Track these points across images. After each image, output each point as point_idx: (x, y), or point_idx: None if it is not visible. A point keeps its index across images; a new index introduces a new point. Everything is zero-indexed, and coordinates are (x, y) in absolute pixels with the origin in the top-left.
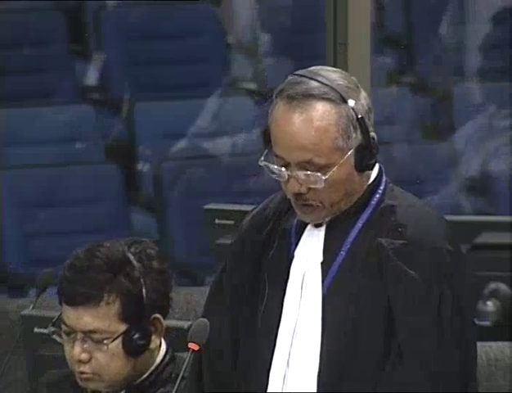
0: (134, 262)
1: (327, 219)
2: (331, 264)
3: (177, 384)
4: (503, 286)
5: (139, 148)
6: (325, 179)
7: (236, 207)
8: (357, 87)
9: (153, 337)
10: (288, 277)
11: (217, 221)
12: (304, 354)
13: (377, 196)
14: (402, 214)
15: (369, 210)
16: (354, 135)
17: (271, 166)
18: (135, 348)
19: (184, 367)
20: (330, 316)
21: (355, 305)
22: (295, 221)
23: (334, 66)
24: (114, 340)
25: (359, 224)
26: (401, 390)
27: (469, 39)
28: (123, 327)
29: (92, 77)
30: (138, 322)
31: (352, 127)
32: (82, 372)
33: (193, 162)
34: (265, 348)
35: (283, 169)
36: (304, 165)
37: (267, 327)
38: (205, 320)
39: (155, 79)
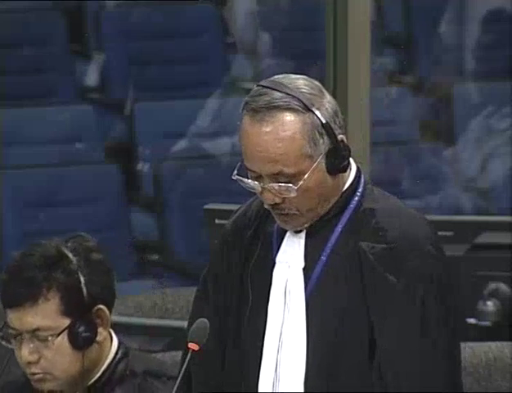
0: (70, 256)
1: (308, 225)
2: (313, 270)
3: (176, 384)
4: (503, 286)
5: (139, 148)
6: (297, 188)
7: (236, 207)
8: (322, 92)
9: (99, 329)
10: (271, 284)
11: (217, 221)
12: (291, 360)
13: (356, 198)
14: (383, 218)
15: (348, 214)
16: (321, 141)
17: (245, 180)
18: (81, 341)
19: (184, 366)
20: (314, 321)
21: (338, 310)
22: (277, 225)
23: (333, 66)
24: (58, 335)
25: (339, 228)
26: None
27: (468, 39)
28: (66, 322)
29: (92, 77)
30: (81, 315)
31: (317, 133)
32: (33, 374)
33: (193, 162)
34: (252, 355)
35: (256, 182)
36: (275, 177)
37: (252, 334)
38: (205, 320)
39: (155, 79)
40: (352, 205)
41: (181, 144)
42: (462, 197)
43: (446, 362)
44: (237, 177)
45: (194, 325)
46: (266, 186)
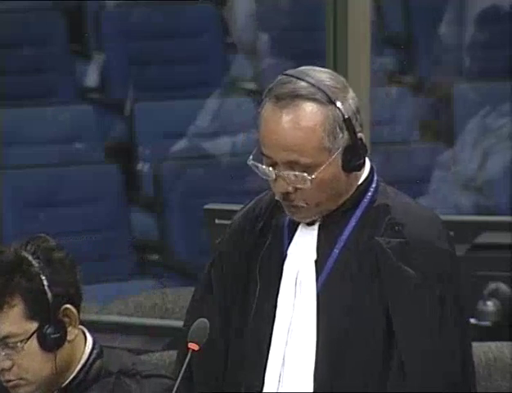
0: (30, 258)
1: (316, 218)
2: (325, 262)
3: (176, 384)
4: (503, 286)
5: (139, 148)
6: (312, 179)
7: (236, 207)
8: (346, 87)
9: (69, 329)
10: (281, 276)
11: (217, 221)
12: (300, 352)
13: (369, 194)
14: (398, 213)
15: (362, 208)
16: (341, 135)
17: (259, 166)
18: (51, 343)
19: (184, 367)
20: (324, 314)
21: (350, 303)
22: (288, 218)
23: (333, 66)
24: (27, 340)
25: (352, 222)
26: None
27: (468, 39)
28: (34, 326)
29: (92, 77)
30: (48, 317)
31: (338, 127)
32: (8, 381)
33: (193, 162)
34: (259, 347)
35: (270, 168)
36: (291, 165)
37: (260, 326)
38: (205, 320)
39: (155, 78)
40: (365, 200)
41: (181, 144)
42: (462, 197)
43: (460, 361)
44: (252, 162)
45: (194, 325)
46: (280, 173)
